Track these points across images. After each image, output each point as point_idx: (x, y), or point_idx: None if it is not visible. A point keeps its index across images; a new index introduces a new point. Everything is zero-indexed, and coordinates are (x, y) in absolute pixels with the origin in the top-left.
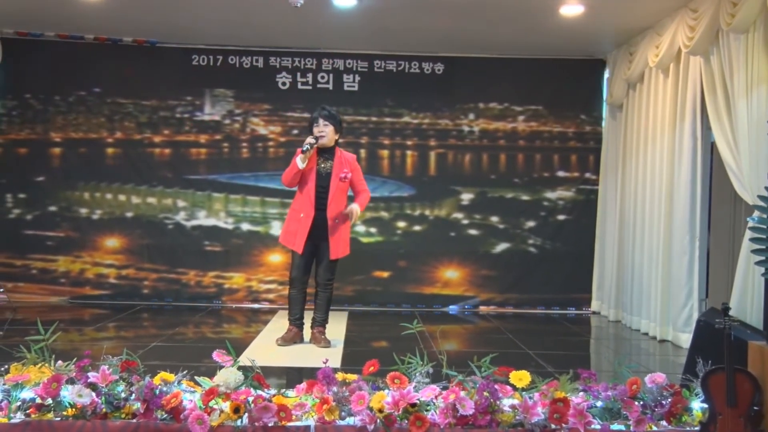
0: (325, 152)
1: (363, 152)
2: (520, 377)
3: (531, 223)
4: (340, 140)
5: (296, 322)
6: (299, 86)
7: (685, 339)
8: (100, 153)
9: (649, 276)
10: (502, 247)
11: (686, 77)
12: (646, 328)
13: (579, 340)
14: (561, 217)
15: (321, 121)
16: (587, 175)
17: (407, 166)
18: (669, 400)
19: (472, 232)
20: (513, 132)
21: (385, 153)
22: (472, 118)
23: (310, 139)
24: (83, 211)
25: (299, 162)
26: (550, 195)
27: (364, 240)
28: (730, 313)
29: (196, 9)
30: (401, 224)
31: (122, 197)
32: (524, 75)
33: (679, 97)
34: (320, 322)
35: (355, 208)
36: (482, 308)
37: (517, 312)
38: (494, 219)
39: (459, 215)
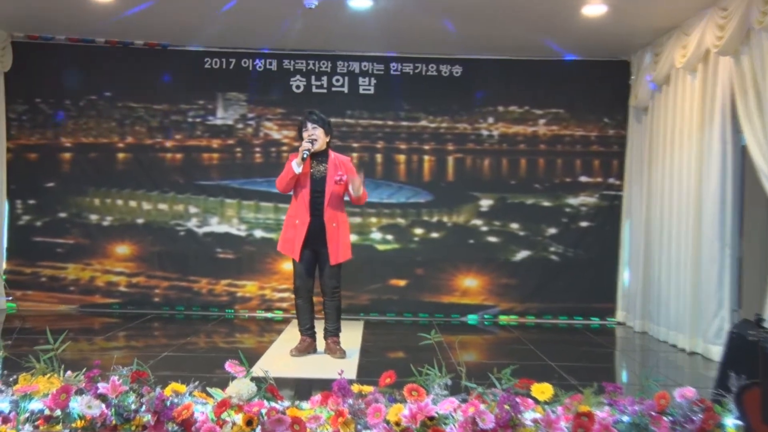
0: (318, 156)
1: (379, 157)
2: (543, 390)
3: (552, 230)
4: (332, 143)
5: (308, 332)
6: (314, 90)
7: (716, 351)
8: (110, 158)
9: (677, 285)
10: (522, 254)
11: (715, 78)
12: (674, 340)
13: (603, 351)
14: (584, 224)
15: (309, 125)
16: (611, 180)
17: (424, 171)
18: (700, 416)
19: (492, 239)
20: (533, 136)
21: (401, 158)
22: (491, 121)
23: (306, 144)
24: (93, 217)
25: (295, 166)
26: (572, 201)
27: (380, 247)
28: (765, 324)
29: (209, 11)
30: (418, 231)
31: (133, 203)
32: (545, 77)
33: (708, 98)
34: (333, 332)
35: (356, 181)
36: (502, 318)
37: (538, 322)
38: (514, 226)
39: (478, 222)
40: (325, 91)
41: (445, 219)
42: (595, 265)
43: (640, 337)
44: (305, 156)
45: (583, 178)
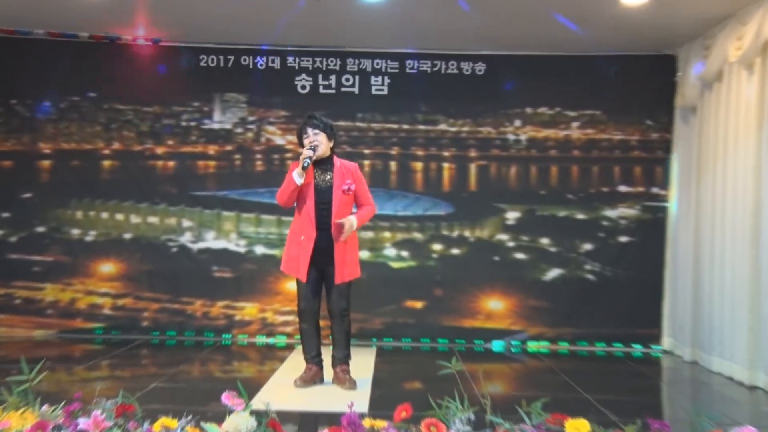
0: (322, 163)
1: (393, 165)
2: (578, 426)
3: (588, 246)
4: (337, 148)
5: (314, 359)
6: (321, 90)
7: None
8: (95, 166)
9: (732, 309)
10: (554, 273)
11: None
12: (729, 371)
13: (647, 383)
14: (623, 239)
15: (310, 131)
16: (654, 189)
17: (444, 180)
18: None
19: (519, 256)
20: (566, 141)
21: (418, 165)
22: (519, 125)
23: (307, 152)
24: (75, 232)
25: (296, 177)
26: (611, 213)
27: (395, 265)
28: None
29: (205, 3)
30: (437, 247)
31: (120, 216)
32: (579, 75)
33: (767, 96)
34: (342, 360)
35: (351, 219)
36: (531, 344)
37: (572, 349)
38: (545, 241)
39: (504, 237)
40: (333, 91)
41: (467, 233)
42: (637, 285)
43: (690, 368)
44: (306, 165)
45: (623, 188)
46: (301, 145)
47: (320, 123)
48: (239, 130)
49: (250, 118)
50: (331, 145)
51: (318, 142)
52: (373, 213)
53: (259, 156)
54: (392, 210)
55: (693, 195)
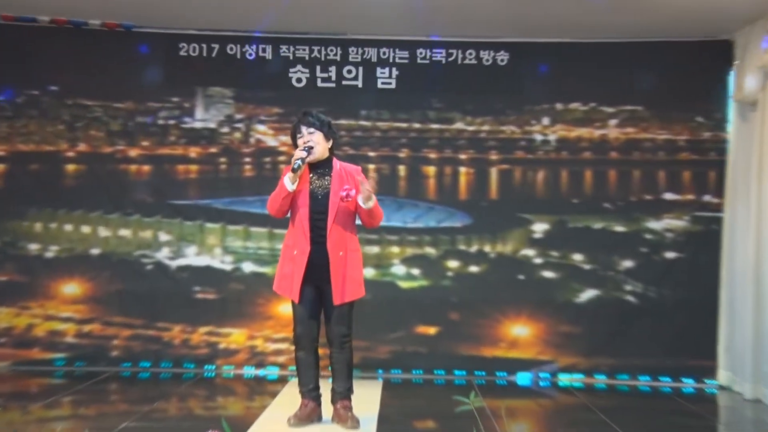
0: (319, 167)
1: (402, 169)
2: None
3: (628, 263)
4: (335, 149)
5: (311, 393)
6: (319, 83)
7: None
8: (57, 171)
9: None
10: (588, 294)
11: None
12: None
13: (701, 424)
14: (670, 255)
15: (304, 130)
16: (706, 197)
17: (460, 186)
18: None
19: (548, 274)
20: (602, 141)
21: (431, 170)
22: (547, 123)
23: (299, 153)
24: (33, 247)
25: (288, 183)
26: (655, 225)
27: (404, 284)
28: None
29: None
30: (453, 264)
31: (86, 229)
32: (617, 65)
33: None
34: (343, 394)
35: (373, 196)
36: (563, 377)
37: (610, 383)
38: (577, 257)
39: (530, 252)
40: (333, 85)
41: (487, 248)
42: (686, 308)
43: (753, 407)
44: (296, 168)
45: (669, 196)
46: (296, 147)
47: (316, 121)
48: (225, 129)
49: (238, 116)
50: (330, 146)
51: (314, 142)
52: (382, 218)
53: (248, 159)
54: (401, 221)
55: (753, 203)
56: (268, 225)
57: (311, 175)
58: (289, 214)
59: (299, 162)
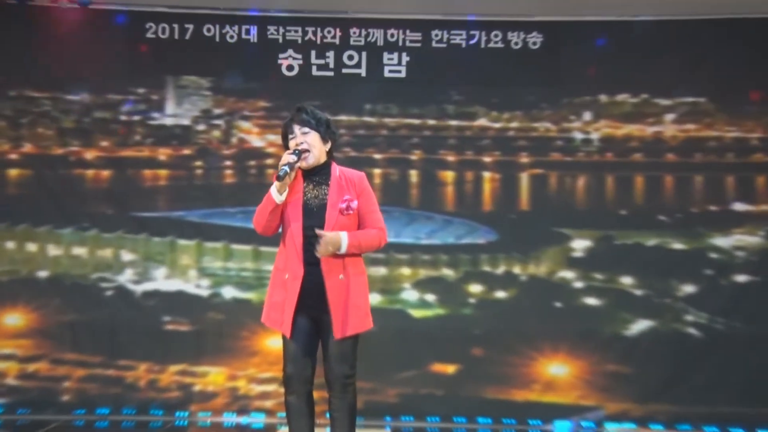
0: (315, 174)
1: (414, 175)
2: None
3: (689, 288)
4: (335, 152)
5: None
6: (314, 72)
7: None
8: None
9: None
10: (641, 326)
11: None
12: None
13: None
14: (741, 279)
15: (297, 129)
16: None
17: (484, 195)
18: None
19: (591, 301)
20: (656, 140)
21: (448, 175)
22: (589, 118)
23: (288, 157)
24: None
25: (275, 194)
26: (722, 242)
27: (416, 313)
28: None
29: None
30: (475, 288)
31: (32, 247)
32: (676, 47)
33: None
34: None
35: (340, 236)
36: (611, 427)
37: None
38: (627, 281)
39: (568, 274)
40: (331, 73)
41: (516, 270)
42: (762, 343)
43: None
44: (282, 175)
45: (740, 206)
46: (287, 148)
47: (312, 119)
48: (201, 126)
49: (217, 111)
50: (328, 148)
51: (308, 144)
52: (382, 241)
53: (229, 163)
54: (413, 237)
55: None
56: (254, 242)
57: (305, 183)
58: (280, 231)
59: (286, 169)
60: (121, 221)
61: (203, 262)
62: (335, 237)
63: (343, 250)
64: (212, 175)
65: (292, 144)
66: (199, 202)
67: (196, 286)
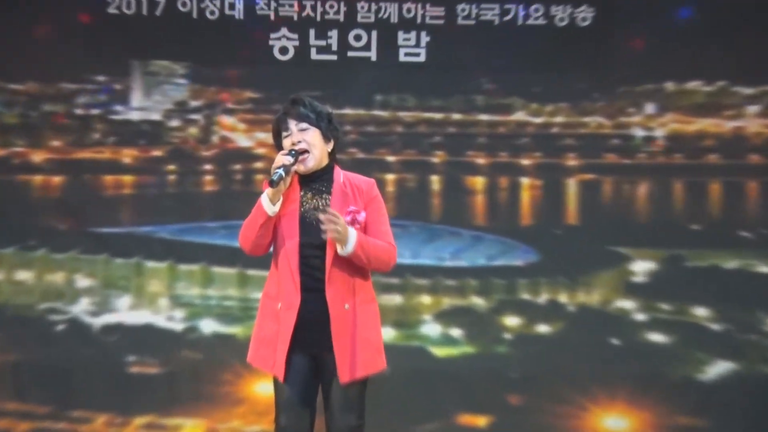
0: (314, 180)
1: (435, 181)
2: None
3: None
4: (338, 153)
5: None
6: (313, 55)
7: None
8: None
9: None
10: (719, 369)
11: None
12: None
13: None
14: None
15: (293, 125)
16: None
17: (522, 206)
18: None
19: (656, 337)
20: (736, 137)
21: (478, 182)
22: (652, 111)
23: (282, 159)
24: None
25: (266, 203)
26: None
27: (439, 352)
28: None
29: None
30: (511, 321)
31: None
32: (760, 22)
33: None
34: None
35: (349, 230)
36: None
37: None
38: (701, 312)
39: (627, 304)
40: (334, 57)
41: (562, 298)
42: None
43: None
44: (275, 180)
45: None
46: (279, 150)
47: (311, 112)
48: (175, 122)
49: (194, 103)
50: (330, 148)
51: (306, 144)
52: (392, 260)
53: (208, 167)
54: (434, 257)
55: None
56: (239, 264)
57: (303, 192)
58: (271, 250)
59: (280, 173)
60: (76, 239)
61: (177, 288)
62: (345, 226)
63: (350, 248)
64: (188, 182)
65: (287, 143)
66: (173, 215)
67: (167, 318)
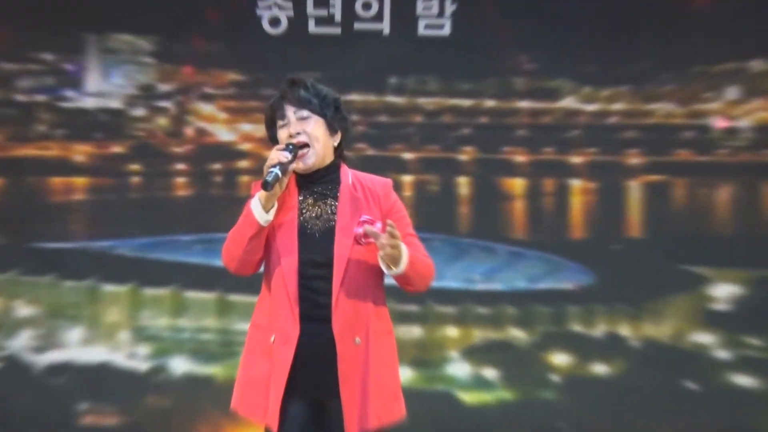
0: (317, 181)
1: (464, 184)
2: None
3: None
4: (347, 150)
5: None
6: (311, 28)
7: None
8: None
9: None
10: None
11: None
12: None
13: None
14: None
15: (290, 112)
16: None
17: (572, 214)
18: None
19: (744, 381)
20: None
21: (516, 185)
22: (736, 95)
23: (278, 155)
24: None
25: (258, 211)
26: None
27: (469, 397)
28: None
29: None
30: (560, 359)
31: None
32: None
33: None
34: None
35: (402, 246)
36: None
37: None
38: None
39: (706, 337)
40: (337, 30)
41: (623, 330)
42: None
43: None
44: (270, 182)
45: None
46: (273, 143)
47: (313, 97)
48: (139, 111)
49: (163, 87)
50: (337, 143)
51: (307, 135)
52: (433, 277)
53: (181, 166)
54: (461, 279)
55: None
56: (219, 287)
57: (302, 196)
58: (262, 269)
59: (276, 172)
60: (15, 256)
61: (141, 318)
62: (398, 243)
63: (402, 266)
64: (157, 186)
65: (283, 135)
66: (136, 227)
67: (129, 355)
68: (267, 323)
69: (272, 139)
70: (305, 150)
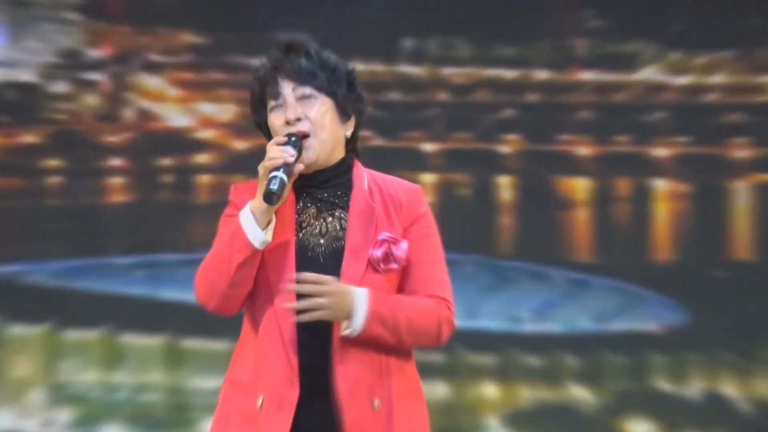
0: (319, 185)
1: (505, 183)
2: None
3: None
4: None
5: None
6: None
7: None
8: None
9: None
10: None
11: None
12: None
13: None
14: None
15: (287, 88)
16: None
17: (657, 228)
18: None
19: None
20: None
21: (578, 186)
22: None
23: (279, 153)
24: None
25: (251, 228)
26: None
27: None
28: None
29: None
30: (640, 428)
31: None
32: None
33: None
34: None
35: (353, 293)
36: None
37: None
38: None
39: None
40: None
41: (728, 388)
42: None
43: None
44: (278, 190)
45: None
46: (265, 134)
47: (319, 69)
48: (60, 86)
49: (94, 54)
50: (350, 132)
51: (309, 122)
52: (444, 327)
53: (117, 162)
54: (503, 317)
55: None
56: (167, 328)
57: (300, 205)
58: (244, 310)
59: (281, 177)
60: None
61: (61, 371)
62: (342, 290)
63: (358, 324)
64: (84, 188)
65: (277, 121)
66: (56, 245)
67: (44, 423)
68: (251, 380)
69: (260, 126)
70: (307, 140)
